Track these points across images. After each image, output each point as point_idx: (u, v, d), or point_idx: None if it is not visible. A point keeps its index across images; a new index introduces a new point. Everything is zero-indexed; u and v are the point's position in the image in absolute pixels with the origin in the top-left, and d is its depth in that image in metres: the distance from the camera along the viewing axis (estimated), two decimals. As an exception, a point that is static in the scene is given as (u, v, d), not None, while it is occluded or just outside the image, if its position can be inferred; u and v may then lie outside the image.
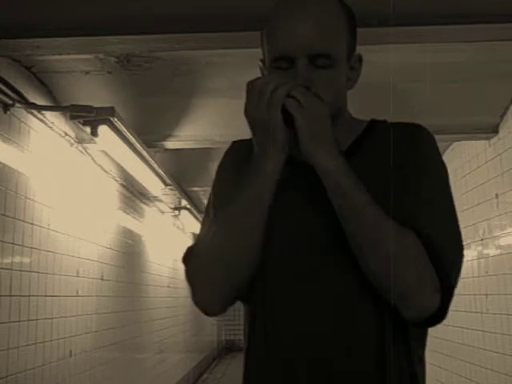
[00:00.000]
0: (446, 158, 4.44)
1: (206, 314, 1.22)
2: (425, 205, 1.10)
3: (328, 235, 1.12)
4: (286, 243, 1.15)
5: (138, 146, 3.76)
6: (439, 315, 1.08)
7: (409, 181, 1.12)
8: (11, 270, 2.90)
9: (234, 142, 1.32)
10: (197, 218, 7.44)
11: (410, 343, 1.13)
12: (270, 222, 1.13)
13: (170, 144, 4.14)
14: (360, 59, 1.20)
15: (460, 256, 1.11)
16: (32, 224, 3.14)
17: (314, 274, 1.13)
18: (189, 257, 1.17)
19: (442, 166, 1.18)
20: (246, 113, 1.08)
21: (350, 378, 1.10)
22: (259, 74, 1.20)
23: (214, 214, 1.21)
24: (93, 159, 4.11)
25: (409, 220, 1.07)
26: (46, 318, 3.31)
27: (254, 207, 1.11)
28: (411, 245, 1.05)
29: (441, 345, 5.14)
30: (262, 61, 1.19)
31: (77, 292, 3.83)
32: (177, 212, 6.85)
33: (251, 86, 1.08)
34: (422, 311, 1.07)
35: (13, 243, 2.92)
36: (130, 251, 5.36)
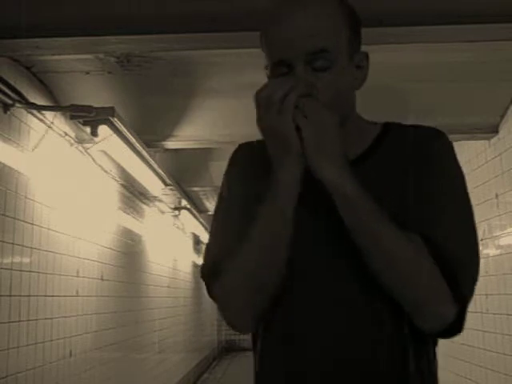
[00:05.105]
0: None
1: (239, 331, 1.20)
2: (439, 214, 1.08)
3: (348, 247, 1.09)
4: (304, 252, 1.13)
5: (138, 146, 3.76)
6: (455, 327, 1.08)
7: (423, 190, 1.10)
8: (11, 270, 2.90)
9: (240, 145, 1.29)
10: (197, 218, 7.45)
11: (426, 346, 1.14)
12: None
13: (170, 144, 4.15)
14: (367, 57, 1.15)
15: (474, 266, 1.09)
16: (32, 224, 3.13)
17: (334, 286, 1.11)
18: (213, 275, 1.14)
19: (458, 173, 1.15)
20: (258, 122, 1.05)
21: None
22: (264, 79, 1.18)
23: (233, 228, 1.15)
24: (93, 159, 4.11)
25: (421, 230, 1.05)
26: (45, 318, 3.31)
27: (278, 222, 1.07)
28: (421, 255, 1.04)
29: (441, 345, 5.14)
30: (266, 67, 1.15)
31: (77, 292, 3.83)
32: (177, 212, 6.85)
33: (260, 95, 1.04)
34: (436, 323, 1.07)
35: (13, 243, 2.92)
36: (130, 251, 5.36)
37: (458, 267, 1.05)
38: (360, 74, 1.14)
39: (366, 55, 1.16)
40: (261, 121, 1.04)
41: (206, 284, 1.17)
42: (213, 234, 1.22)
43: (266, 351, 1.17)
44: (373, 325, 1.10)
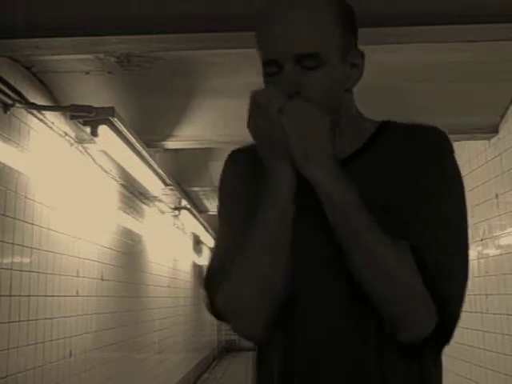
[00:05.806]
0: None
1: (250, 339, 1.18)
2: (430, 220, 1.06)
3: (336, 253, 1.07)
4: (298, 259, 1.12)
5: (138, 146, 3.76)
6: (438, 339, 1.07)
7: (417, 191, 1.08)
8: (11, 270, 2.90)
9: (232, 152, 1.27)
10: (197, 218, 7.45)
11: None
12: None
13: (170, 144, 4.15)
14: (362, 55, 1.13)
15: (463, 280, 1.07)
16: (32, 224, 3.13)
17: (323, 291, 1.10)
18: (215, 287, 1.12)
19: (456, 176, 1.13)
20: (248, 126, 1.05)
21: None
22: (260, 76, 1.19)
23: (233, 237, 1.14)
24: (93, 159, 4.11)
25: (410, 237, 1.03)
26: (46, 318, 3.31)
27: (277, 228, 1.06)
28: (406, 266, 1.02)
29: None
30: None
31: (77, 292, 3.83)
32: (177, 212, 6.85)
33: (251, 99, 1.04)
34: (414, 333, 1.05)
35: (13, 243, 2.92)
36: (130, 251, 5.36)
37: (445, 280, 1.03)
38: (355, 73, 1.13)
39: (362, 54, 1.14)
40: (250, 123, 1.05)
41: (208, 297, 1.15)
42: (215, 246, 1.22)
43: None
44: (357, 339, 1.08)
